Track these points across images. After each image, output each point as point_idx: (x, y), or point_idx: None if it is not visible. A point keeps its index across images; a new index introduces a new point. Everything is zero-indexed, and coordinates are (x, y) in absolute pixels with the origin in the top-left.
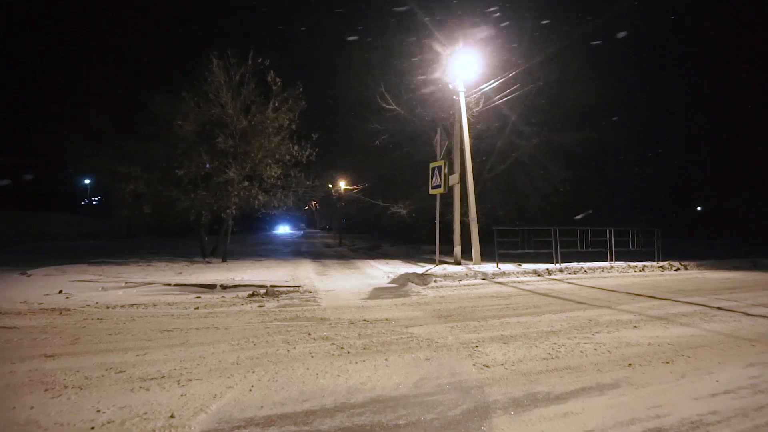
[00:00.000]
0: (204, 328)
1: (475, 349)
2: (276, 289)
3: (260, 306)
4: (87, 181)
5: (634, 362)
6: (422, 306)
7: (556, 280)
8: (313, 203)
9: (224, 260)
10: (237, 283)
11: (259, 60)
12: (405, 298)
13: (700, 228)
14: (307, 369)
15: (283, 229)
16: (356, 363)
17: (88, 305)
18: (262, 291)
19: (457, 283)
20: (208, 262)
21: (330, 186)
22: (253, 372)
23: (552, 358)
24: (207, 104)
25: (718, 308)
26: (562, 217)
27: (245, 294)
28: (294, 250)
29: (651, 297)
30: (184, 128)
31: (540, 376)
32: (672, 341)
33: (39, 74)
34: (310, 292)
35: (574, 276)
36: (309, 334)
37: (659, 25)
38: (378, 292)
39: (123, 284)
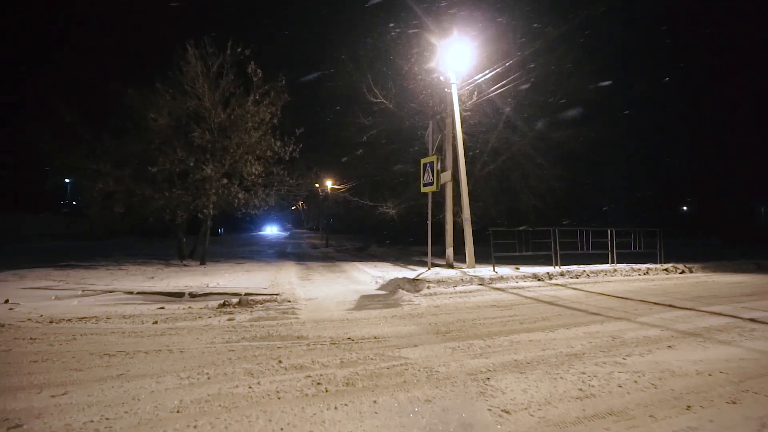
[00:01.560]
0: (155, 350)
1: (486, 383)
2: (251, 297)
3: (230, 320)
4: (67, 180)
5: (692, 403)
6: (416, 319)
7: (558, 285)
8: (300, 203)
9: (202, 263)
10: (209, 290)
11: (239, 50)
12: (396, 308)
13: (687, 228)
14: (270, 420)
15: (270, 230)
16: (336, 408)
17: (30, 319)
18: (235, 300)
19: (452, 289)
20: (185, 265)
21: (317, 186)
22: (195, 427)
23: (586, 396)
24: (183, 96)
25: (751, 320)
26: (557, 216)
27: (216, 304)
28: (279, 252)
29: (669, 306)
30: (158, 122)
31: (579, 428)
32: (723, 368)
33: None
34: (289, 301)
35: (576, 281)
36: (280, 361)
37: (656, 20)
38: (365, 301)
39: (80, 292)
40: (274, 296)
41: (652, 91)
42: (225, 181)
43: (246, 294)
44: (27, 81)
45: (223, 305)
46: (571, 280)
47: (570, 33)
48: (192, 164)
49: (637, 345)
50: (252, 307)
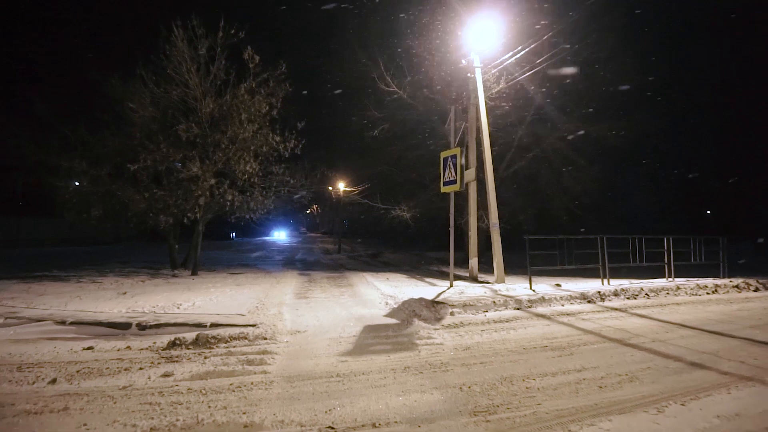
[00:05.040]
0: None
1: None
2: (215, 333)
3: (166, 375)
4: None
5: None
6: (438, 374)
7: (615, 309)
8: (315, 207)
9: (194, 273)
10: (167, 319)
11: (232, 31)
12: (410, 352)
13: (716, 233)
14: None
15: (279, 235)
16: None
17: None
18: (192, 336)
19: (482, 316)
20: (173, 276)
21: (329, 188)
22: None
23: None
24: (168, 85)
25: None
26: (596, 221)
27: (165, 341)
28: (286, 258)
29: None
30: (138, 113)
31: None
32: None
33: None
34: (265, 338)
35: (635, 302)
36: None
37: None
38: (369, 337)
39: (1, 321)
40: (249, 328)
41: (690, 81)
42: (213, 181)
43: (212, 325)
44: None
45: (173, 345)
46: (628, 302)
47: (614, 12)
48: (179, 162)
49: None
50: (211, 349)
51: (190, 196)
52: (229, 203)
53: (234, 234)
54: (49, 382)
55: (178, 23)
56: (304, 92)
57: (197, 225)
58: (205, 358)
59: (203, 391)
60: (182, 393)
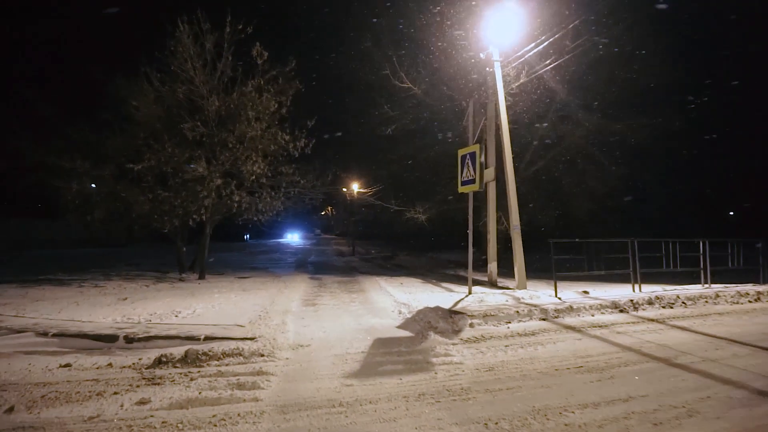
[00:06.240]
0: None
1: None
2: (206, 349)
3: (141, 402)
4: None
5: None
6: (458, 404)
7: (651, 320)
8: (329, 208)
9: (201, 277)
10: (155, 332)
11: (239, 27)
12: (424, 373)
13: (736, 235)
14: None
15: (293, 237)
16: None
17: None
18: (182, 352)
19: (505, 328)
20: (180, 280)
21: (343, 189)
22: None
23: None
24: (174, 83)
25: None
26: (620, 224)
27: (151, 358)
28: (298, 261)
29: None
30: (143, 112)
31: None
32: None
33: None
34: (262, 355)
35: (672, 312)
36: None
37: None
38: (379, 354)
39: None
40: (247, 342)
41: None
42: (219, 181)
43: (206, 338)
44: None
45: (159, 362)
46: (665, 312)
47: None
48: (184, 162)
49: None
50: (200, 368)
51: (195, 197)
52: (236, 205)
53: (248, 236)
54: (5, 411)
55: (184, 18)
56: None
57: (205, 227)
58: (191, 379)
59: (179, 426)
60: (155, 428)
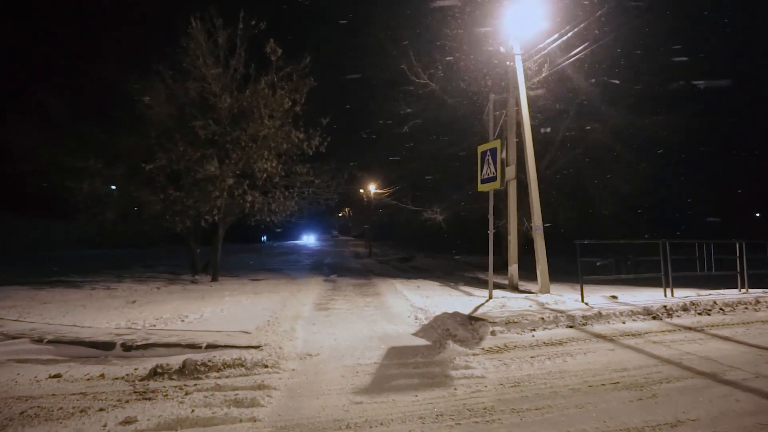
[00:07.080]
0: None
1: None
2: (206, 359)
3: (126, 423)
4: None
5: None
6: (480, 426)
7: (688, 328)
8: (347, 209)
9: (214, 279)
10: (154, 340)
11: (252, 23)
12: (443, 389)
13: (764, 237)
14: None
15: (310, 238)
16: None
17: None
18: (180, 362)
19: (529, 336)
20: (192, 282)
21: (360, 190)
22: None
23: None
24: (186, 81)
25: None
26: (644, 225)
27: (148, 368)
28: (314, 263)
29: None
30: (155, 110)
31: None
32: None
33: None
34: (266, 366)
35: (709, 318)
36: None
37: None
38: (393, 366)
39: None
40: (251, 351)
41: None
42: (231, 181)
43: (208, 346)
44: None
45: (154, 373)
46: (702, 319)
47: None
48: (196, 161)
49: None
50: (198, 380)
51: (207, 197)
52: (249, 205)
53: (265, 237)
54: None
55: (197, 15)
56: (328, 80)
57: (218, 228)
58: (186, 394)
59: None
60: None
